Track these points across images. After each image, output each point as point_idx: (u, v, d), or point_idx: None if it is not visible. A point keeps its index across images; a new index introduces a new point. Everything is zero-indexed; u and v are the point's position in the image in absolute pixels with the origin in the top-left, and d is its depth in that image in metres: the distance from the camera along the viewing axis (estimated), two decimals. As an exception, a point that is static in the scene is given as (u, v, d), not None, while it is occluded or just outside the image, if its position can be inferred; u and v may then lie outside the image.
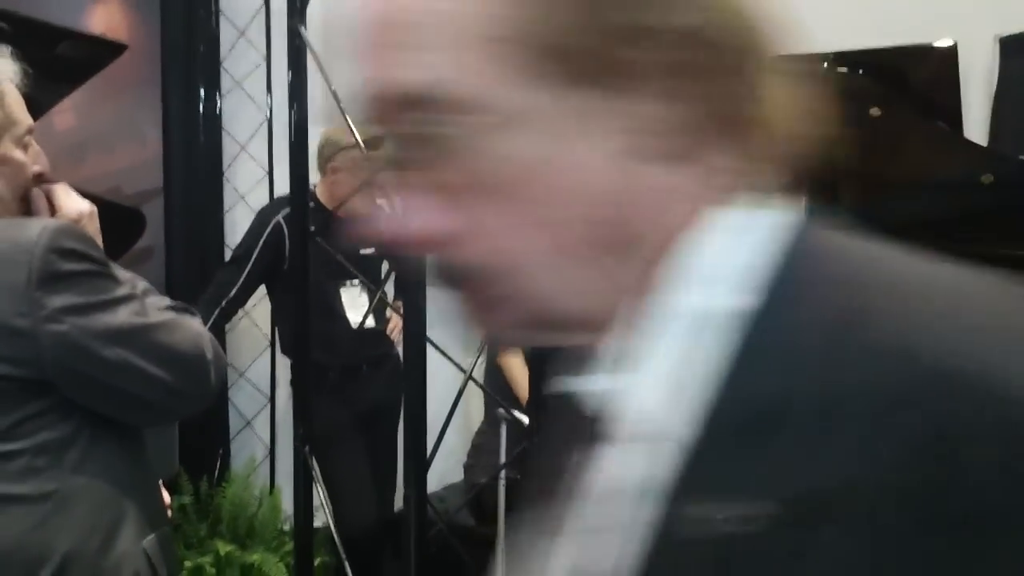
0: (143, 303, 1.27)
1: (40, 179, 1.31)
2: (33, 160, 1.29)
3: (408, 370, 1.32)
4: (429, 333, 1.38)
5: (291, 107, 1.52)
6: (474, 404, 3.68)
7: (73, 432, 1.23)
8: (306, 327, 1.58)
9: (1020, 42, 3.88)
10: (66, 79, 2.76)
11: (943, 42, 2.42)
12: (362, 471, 2.96)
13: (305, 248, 1.54)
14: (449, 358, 1.45)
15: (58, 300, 1.18)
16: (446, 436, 3.68)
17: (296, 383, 1.62)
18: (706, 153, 0.48)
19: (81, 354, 1.19)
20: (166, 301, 1.32)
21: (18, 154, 1.26)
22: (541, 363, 1.72)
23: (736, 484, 0.43)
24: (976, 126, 3.86)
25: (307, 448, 1.52)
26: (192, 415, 1.34)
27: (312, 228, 1.53)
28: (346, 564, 1.56)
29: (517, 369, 3.19)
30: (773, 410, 0.43)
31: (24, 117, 1.27)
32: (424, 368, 1.33)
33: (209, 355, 1.29)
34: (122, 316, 1.22)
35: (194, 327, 1.30)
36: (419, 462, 1.31)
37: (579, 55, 0.46)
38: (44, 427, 1.20)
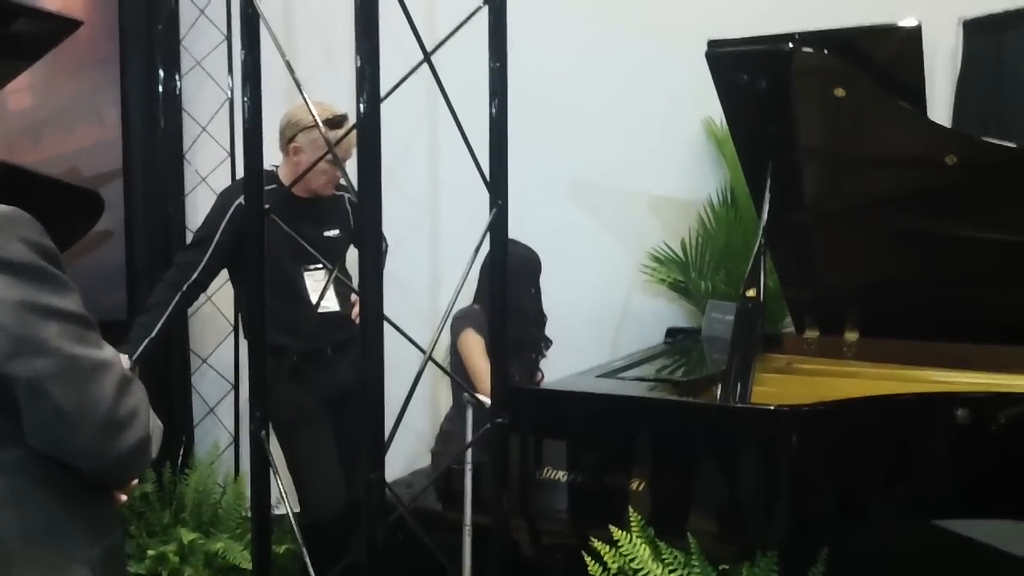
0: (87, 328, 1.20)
1: None
2: None
3: (366, 349, 1.29)
4: (389, 314, 1.35)
5: (244, 82, 1.48)
6: (442, 391, 3.67)
7: (13, 430, 1.17)
8: (261, 305, 1.54)
9: (983, 24, 3.93)
10: (21, 56, 2.69)
11: (907, 22, 2.42)
12: (329, 456, 2.93)
13: (261, 225, 1.51)
14: (408, 338, 1.42)
15: None
16: (414, 422, 3.71)
17: (252, 365, 1.59)
18: None
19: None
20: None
21: None
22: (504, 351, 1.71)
23: None
24: (940, 107, 3.90)
25: (263, 432, 1.49)
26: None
27: (267, 207, 1.50)
28: (304, 552, 1.53)
29: (476, 358, 3.17)
30: None
31: None
32: (381, 347, 1.30)
33: (123, 415, 1.19)
34: (54, 329, 1.15)
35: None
36: (377, 443, 1.28)
37: None
38: None
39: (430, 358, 1.42)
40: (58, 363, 1.14)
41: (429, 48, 1.48)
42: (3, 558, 1.17)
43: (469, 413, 2.48)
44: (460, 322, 3.25)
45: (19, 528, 1.18)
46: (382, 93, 1.30)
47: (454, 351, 3.27)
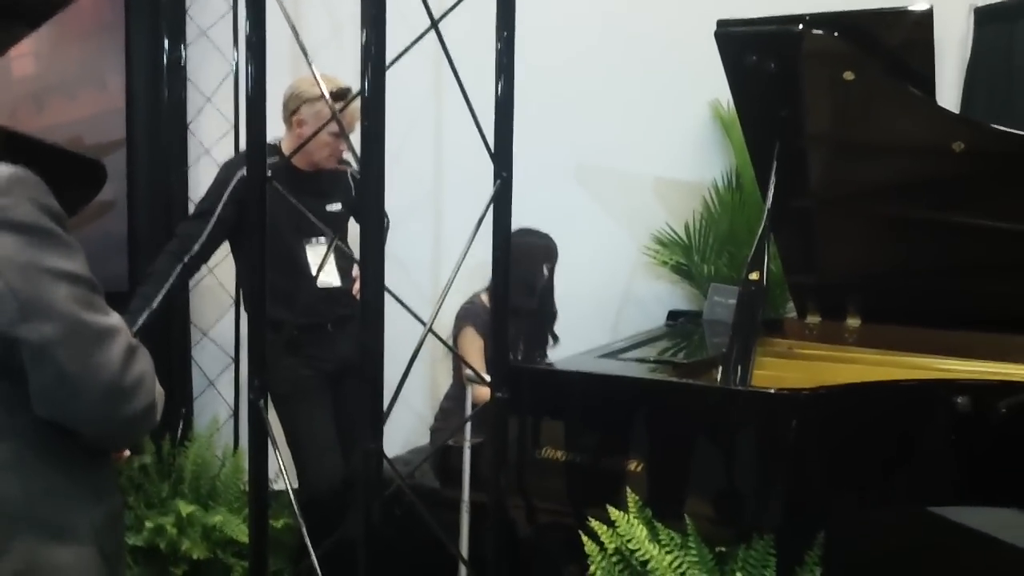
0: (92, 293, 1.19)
1: None
2: None
3: (366, 318, 1.28)
4: (390, 285, 1.35)
5: (248, 53, 1.46)
6: (442, 372, 3.66)
7: (18, 395, 1.17)
8: (262, 274, 1.53)
9: (994, 11, 3.90)
10: (24, 21, 2.68)
11: (919, 7, 2.40)
12: (327, 430, 2.93)
13: (263, 195, 1.50)
14: (408, 309, 1.41)
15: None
16: (414, 401, 3.70)
17: (252, 335, 1.58)
18: None
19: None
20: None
21: None
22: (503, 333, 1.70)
23: None
24: (949, 93, 3.88)
25: (262, 401, 1.49)
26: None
27: (269, 174, 1.48)
28: (302, 525, 1.53)
29: (473, 358, 3.15)
30: None
31: None
32: (382, 316, 1.29)
33: (129, 382, 1.19)
34: (62, 293, 1.14)
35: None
36: (375, 414, 1.28)
37: None
38: None
39: (430, 330, 1.41)
40: (65, 327, 1.14)
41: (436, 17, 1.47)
42: (6, 524, 1.17)
43: (469, 391, 2.48)
44: (462, 320, 3.23)
45: (23, 494, 1.18)
46: (387, 62, 1.29)
47: (455, 344, 3.26)
